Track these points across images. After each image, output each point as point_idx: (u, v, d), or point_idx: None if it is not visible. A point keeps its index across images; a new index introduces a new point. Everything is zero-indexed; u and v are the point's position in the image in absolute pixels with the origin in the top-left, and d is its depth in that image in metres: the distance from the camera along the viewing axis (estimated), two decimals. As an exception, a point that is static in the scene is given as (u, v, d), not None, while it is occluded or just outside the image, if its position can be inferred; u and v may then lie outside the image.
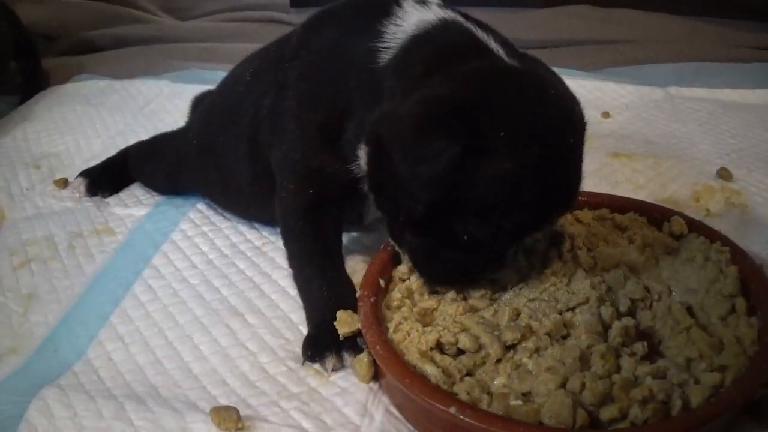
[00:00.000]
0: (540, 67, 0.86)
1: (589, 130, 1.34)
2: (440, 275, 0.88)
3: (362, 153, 0.88)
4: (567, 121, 0.80)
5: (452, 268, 0.86)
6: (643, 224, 0.99)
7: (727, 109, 1.48)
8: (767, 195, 1.16)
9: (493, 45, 0.84)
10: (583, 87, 1.55)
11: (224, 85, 1.20)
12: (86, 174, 1.34)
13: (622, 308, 0.85)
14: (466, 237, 0.81)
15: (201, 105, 1.29)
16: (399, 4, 0.91)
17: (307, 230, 0.98)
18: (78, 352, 0.95)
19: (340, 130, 0.91)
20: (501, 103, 0.77)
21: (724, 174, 1.20)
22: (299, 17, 2.22)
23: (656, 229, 0.99)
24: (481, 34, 0.86)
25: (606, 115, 1.46)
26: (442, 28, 0.87)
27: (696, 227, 0.96)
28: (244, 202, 1.15)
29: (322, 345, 0.88)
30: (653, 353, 0.81)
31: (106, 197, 1.31)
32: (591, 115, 1.41)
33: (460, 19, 0.89)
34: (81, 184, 1.32)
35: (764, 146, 1.33)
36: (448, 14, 0.89)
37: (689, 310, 0.85)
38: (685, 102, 1.51)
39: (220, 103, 1.17)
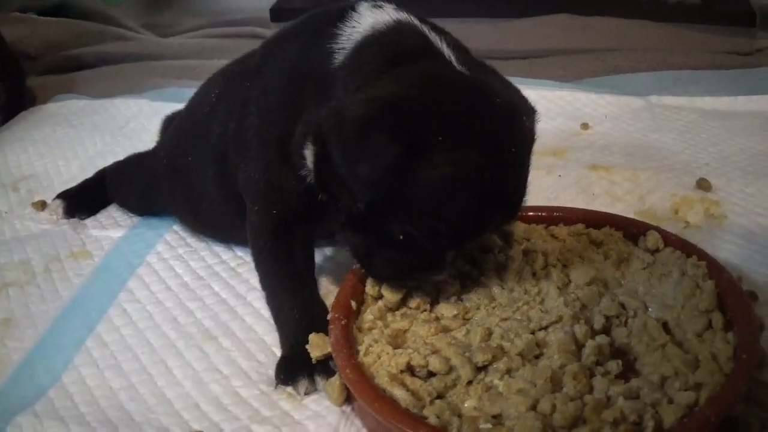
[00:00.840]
0: (491, 77, 0.85)
1: (568, 143, 1.38)
2: (381, 271, 0.87)
3: (308, 152, 0.86)
4: (510, 131, 0.79)
5: (392, 265, 0.86)
6: (618, 239, 0.99)
7: (708, 117, 1.47)
8: (746, 205, 1.16)
9: (445, 50, 0.84)
10: (561, 98, 1.55)
11: (191, 104, 1.19)
12: (63, 196, 1.33)
13: (597, 326, 0.85)
14: (402, 237, 0.81)
15: (171, 124, 1.28)
16: (355, 9, 0.90)
17: (275, 251, 0.97)
18: (53, 378, 0.95)
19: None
20: (444, 107, 0.77)
21: (703, 184, 1.20)
22: (280, 32, 2.23)
23: (632, 243, 0.98)
24: (434, 37, 0.85)
25: (585, 126, 1.45)
26: (396, 29, 0.87)
27: (672, 241, 0.96)
28: (215, 223, 1.14)
29: (294, 368, 0.87)
30: (629, 371, 0.80)
31: (83, 219, 1.31)
32: (570, 126, 1.44)
33: (415, 21, 0.88)
34: (59, 207, 1.31)
35: (744, 155, 1.32)
36: (403, 16, 0.88)
37: (665, 326, 0.85)
38: (665, 111, 1.51)
39: (187, 123, 1.16)
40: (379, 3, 0.91)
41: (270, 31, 2.21)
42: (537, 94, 1.51)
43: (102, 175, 1.36)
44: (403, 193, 0.77)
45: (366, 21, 0.88)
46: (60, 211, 1.30)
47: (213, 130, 1.04)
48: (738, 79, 1.63)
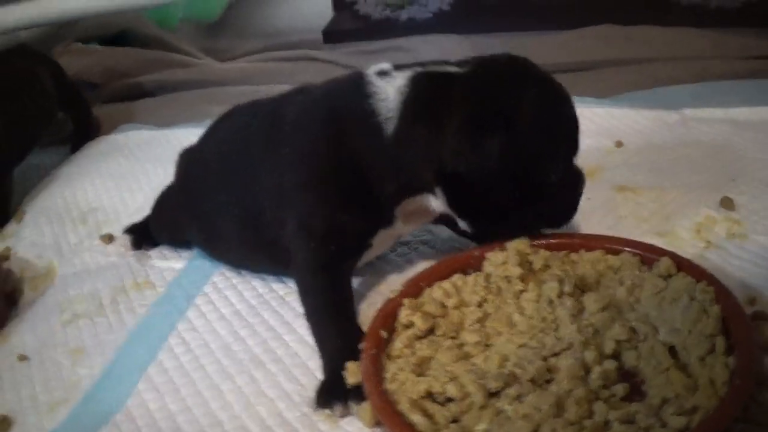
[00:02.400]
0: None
1: (601, 161, 1.43)
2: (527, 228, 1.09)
3: (435, 197, 1.07)
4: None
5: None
6: (634, 265, 1.04)
7: (741, 128, 1.49)
8: (767, 224, 1.18)
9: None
10: (598, 116, 1.59)
11: (208, 146, 1.30)
12: (131, 230, 1.45)
13: (607, 350, 0.90)
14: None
15: (189, 159, 1.37)
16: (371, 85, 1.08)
17: (326, 285, 1.08)
18: (119, 403, 1.05)
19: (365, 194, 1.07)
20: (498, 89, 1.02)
21: (726, 203, 1.23)
22: (333, 54, 2.32)
23: (648, 268, 1.03)
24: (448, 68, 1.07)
25: (619, 144, 1.49)
26: (416, 82, 1.06)
27: (685, 267, 1.00)
28: (228, 259, 1.29)
29: (332, 393, 0.97)
30: (636, 393, 0.86)
31: (149, 250, 1.42)
32: (604, 144, 1.49)
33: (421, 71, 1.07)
34: (127, 241, 1.43)
35: (772, 168, 1.34)
36: (411, 73, 1.07)
37: (673, 349, 0.90)
38: (699, 125, 1.53)
39: (203, 169, 1.27)
40: (375, 71, 1.10)
41: (322, 53, 2.32)
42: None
43: None
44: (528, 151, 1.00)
45: (387, 90, 1.06)
46: (128, 244, 1.42)
47: (236, 182, 1.17)
48: (775, 86, 1.64)
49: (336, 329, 1.03)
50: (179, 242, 1.39)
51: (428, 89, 1.04)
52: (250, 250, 1.22)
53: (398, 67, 1.09)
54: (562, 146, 1.04)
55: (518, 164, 0.99)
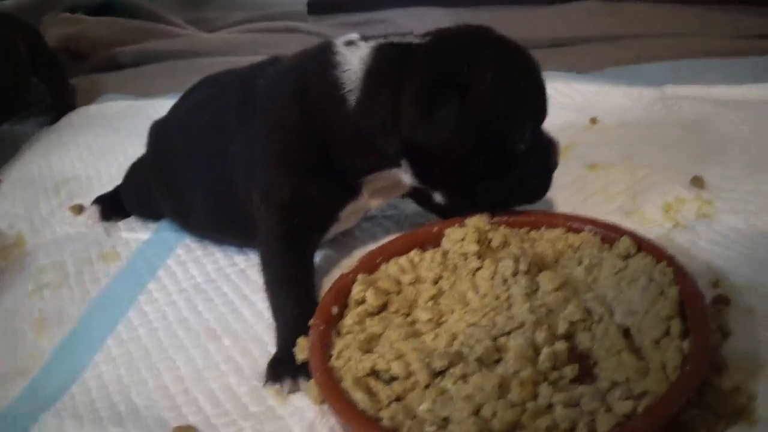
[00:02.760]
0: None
1: (574, 139, 1.41)
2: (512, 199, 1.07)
3: (403, 171, 1.05)
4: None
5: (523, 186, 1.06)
6: (595, 244, 1.02)
7: (721, 107, 1.46)
8: (739, 203, 1.16)
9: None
10: (576, 91, 1.57)
11: (180, 118, 1.29)
12: (100, 201, 1.44)
13: (560, 331, 0.89)
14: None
15: (159, 131, 1.35)
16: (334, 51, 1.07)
17: (287, 256, 1.06)
18: (77, 374, 1.05)
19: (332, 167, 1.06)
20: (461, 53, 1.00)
21: (697, 182, 1.21)
22: (317, 25, 2.30)
23: (609, 247, 1.01)
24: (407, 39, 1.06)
25: (594, 120, 1.47)
26: (377, 52, 1.04)
27: (645, 246, 0.98)
28: (201, 229, 1.27)
29: (281, 368, 0.96)
30: (588, 375, 0.84)
31: (118, 222, 1.41)
32: (579, 121, 1.47)
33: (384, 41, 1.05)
34: (95, 212, 1.42)
35: (750, 147, 1.31)
36: (374, 43, 1.05)
37: (627, 332, 0.88)
38: (678, 102, 1.50)
39: (178, 140, 1.25)
40: (343, 41, 1.08)
41: (307, 24, 2.29)
42: (551, 87, 1.54)
43: None
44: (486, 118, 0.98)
45: (352, 59, 1.04)
46: (96, 216, 1.41)
47: (207, 154, 1.15)
48: (758, 66, 1.61)
49: (292, 301, 1.02)
50: (149, 213, 1.38)
51: (388, 60, 1.02)
52: (219, 220, 1.21)
53: (366, 38, 1.07)
54: (527, 114, 1.01)
55: (479, 133, 0.97)
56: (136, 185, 1.39)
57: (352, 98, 1.03)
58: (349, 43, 1.07)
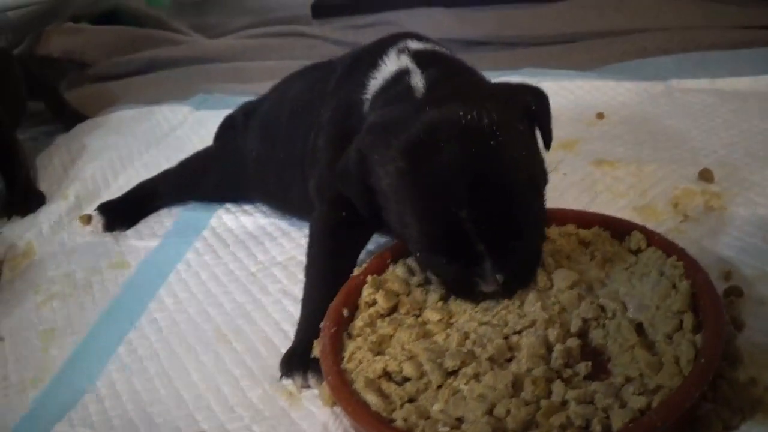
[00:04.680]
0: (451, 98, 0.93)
1: (580, 134, 1.40)
2: (445, 285, 0.96)
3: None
4: (438, 140, 0.88)
5: (445, 277, 0.95)
6: (606, 239, 1.01)
7: (727, 99, 1.46)
8: (748, 195, 1.16)
9: (420, 83, 1.00)
10: (580, 88, 1.57)
11: (275, 106, 1.33)
12: (103, 210, 1.44)
13: (573, 329, 0.88)
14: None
15: (249, 117, 1.39)
16: (383, 59, 1.08)
17: (329, 248, 1.08)
18: (89, 384, 1.05)
19: None
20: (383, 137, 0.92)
21: (705, 175, 1.21)
22: (321, 29, 2.30)
23: (619, 242, 1.01)
24: (415, 80, 1.00)
25: (600, 116, 1.47)
26: (395, 79, 1.03)
27: (655, 241, 0.98)
28: (301, 207, 1.24)
29: (294, 362, 0.96)
30: (602, 371, 0.84)
31: (123, 231, 1.41)
32: (585, 116, 1.46)
33: (411, 66, 1.03)
34: (98, 222, 1.42)
35: (757, 138, 1.31)
36: (403, 64, 1.04)
37: (640, 326, 0.87)
38: (684, 95, 1.50)
39: (275, 127, 1.29)
40: (402, 46, 1.08)
41: (311, 28, 2.29)
42: (556, 84, 1.56)
43: (142, 188, 1.48)
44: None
45: (382, 74, 1.05)
46: (99, 226, 1.41)
47: (295, 141, 1.19)
48: (764, 56, 1.60)
49: (323, 294, 1.01)
50: (229, 198, 1.42)
51: (387, 93, 1.03)
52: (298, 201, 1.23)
53: (409, 49, 1.08)
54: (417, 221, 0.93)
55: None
56: (217, 170, 1.42)
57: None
58: (402, 51, 1.08)
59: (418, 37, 1.12)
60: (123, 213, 1.43)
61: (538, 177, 0.93)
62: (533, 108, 0.94)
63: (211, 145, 1.49)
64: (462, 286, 0.93)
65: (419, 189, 0.88)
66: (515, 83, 0.98)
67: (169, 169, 1.50)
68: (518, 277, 0.92)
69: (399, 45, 1.08)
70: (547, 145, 0.98)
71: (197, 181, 1.44)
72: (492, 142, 0.86)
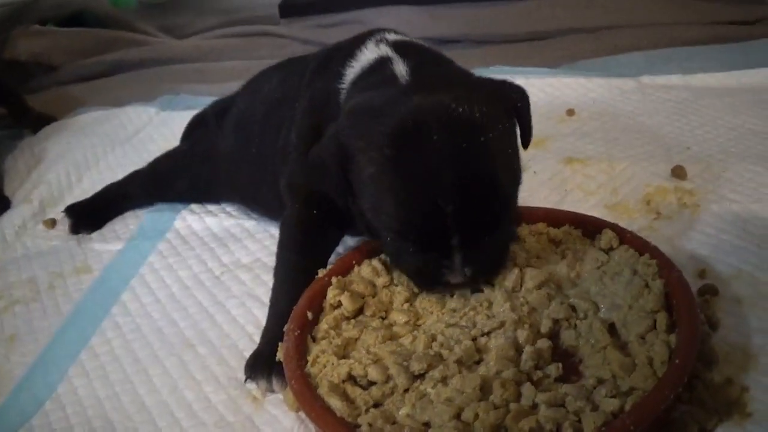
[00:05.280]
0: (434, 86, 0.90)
1: (550, 131, 1.39)
2: (410, 278, 0.94)
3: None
4: (422, 129, 0.85)
5: (411, 271, 0.93)
6: (576, 238, 1.00)
7: (700, 95, 1.46)
8: (721, 192, 1.15)
9: (402, 71, 0.96)
10: (550, 86, 1.56)
11: (248, 104, 1.29)
12: (71, 212, 1.41)
13: (544, 329, 0.86)
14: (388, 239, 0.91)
15: (222, 116, 1.36)
16: (361, 49, 1.04)
17: (299, 246, 1.05)
18: (50, 390, 1.03)
19: None
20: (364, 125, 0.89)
21: (678, 172, 1.20)
22: (289, 29, 2.28)
23: (590, 241, 0.99)
24: (398, 68, 0.96)
25: (571, 112, 1.45)
26: (373, 67, 1.00)
27: (627, 239, 0.96)
28: (272, 206, 1.21)
29: (258, 365, 0.94)
30: (573, 373, 0.82)
31: (89, 233, 1.38)
32: (555, 114, 1.45)
33: (391, 54, 1.00)
34: (65, 224, 1.39)
35: (730, 134, 1.31)
36: (383, 52, 1.01)
37: (612, 327, 0.85)
38: (656, 91, 1.49)
39: (249, 124, 1.25)
40: (380, 38, 1.05)
41: (279, 28, 2.27)
42: (526, 81, 1.54)
43: (109, 190, 1.45)
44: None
45: (360, 63, 1.02)
46: (66, 228, 1.39)
47: (269, 138, 1.16)
48: (735, 52, 1.61)
49: (290, 295, 0.98)
50: (203, 198, 1.39)
51: (366, 81, 1.00)
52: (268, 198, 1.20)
53: (383, 40, 1.05)
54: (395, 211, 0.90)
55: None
56: (192, 170, 1.38)
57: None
58: (379, 41, 1.06)
59: (395, 32, 1.10)
60: (90, 215, 1.41)
61: (519, 175, 0.92)
62: (519, 105, 0.93)
63: (179, 145, 1.46)
64: (426, 277, 0.91)
65: (404, 176, 0.84)
66: (499, 79, 0.96)
67: (138, 170, 1.46)
68: (484, 273, 0.91)
69: (376, 36, 1.05)
70: (526, 144, 0.96)
71: (167, 182, 1.41)
72: (481, 137, 0.85)
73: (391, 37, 1.06)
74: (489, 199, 0.85)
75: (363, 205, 0.91)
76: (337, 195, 0.95)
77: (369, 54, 1.02)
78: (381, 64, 0.99)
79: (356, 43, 1.06)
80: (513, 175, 0.90)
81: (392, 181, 0.85)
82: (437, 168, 0.83)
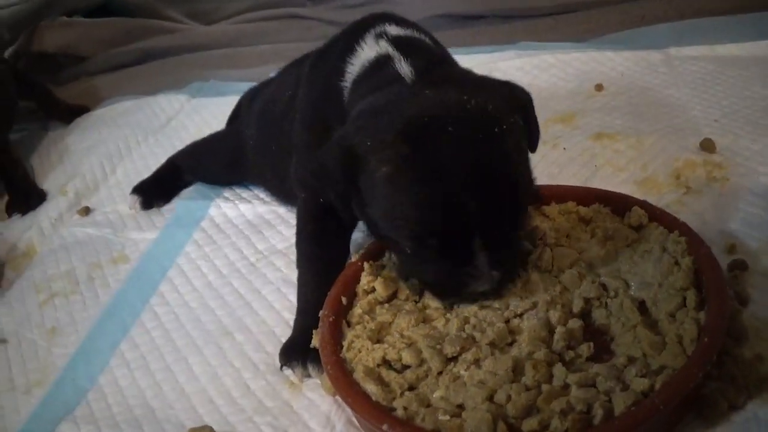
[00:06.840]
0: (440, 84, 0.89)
1: (579, 107, 1.38)
2: (430, 288, 0.92)
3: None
4: (434, 128, 0.83)
5: (431, 281, 0.90)
6: (606, 215, 1.00)
7: (727, 65, 1.43)
8: (750, 164, 1.14)
9: (406, 70, 0.93)
10: (578, 60, 1.54)
11: (271, 94, 1.30)
12: (138, 191, 1.45)
13: (576, 309, 0.87)
14: (408, 250, 0.87)
15: (250, 103, 1.40)
16: (360, 44, 1.01)
17: (314, 235, 1.06)
18: (92, 381, 1.06)
19: None
20: (375, 124, 0.86)
21: (707, 145, 1.19)
22: (316, 11, 2.28)
23: (620, 219, 0.99)
24: (402, 67, 0.93)
25: (599, 87, 1.44)
26: (375, 66, 0.97)
27: (657, 216, 0.96)
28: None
29: (293, 352, 0.96)
30: (605, 352, 0.83)
31: (161, 207, 1.43)
32: (584, 88, 1.44)
33: (393, 52, 0.97)
34: (136, 202, 1.43)
35: (758, 105, 1.29)
36: (383, 50, 0.98)
37: (643, 305, 0.86)
38: (683, 63, 1.47)
39: (269, 115, 1.26)
40: (380, 31, 1.01)
41: (306, 10, 2.27)
42: (553, 57, 1.54)
43: (171, 163, 1.48)
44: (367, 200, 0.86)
45: (360, 60, 0.99)
46: (137, 206, 1.43)
47: (286, 129, 1.15)
48: (762, 21, 1.57)
49: (315, 283, 1.00)
50: (233, 180, 1.42)
51: (369, 80, 0.97)
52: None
53: (388, 34, 1.01)
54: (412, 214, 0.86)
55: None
56: (221, 154, 1.41)
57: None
58: (380, 35, 1.03)
59: (396, 20, 1.05)
60: (158, 188, 1.45)
61: (531, 175, 0.90)
62: (525, 107, 0.91)
63: (222, 129, 1.50)
64: (449, 286, 0.88)
65: (422, 173, 0.80)
66: (502, 80, 0.94)
67: (184, 149, 1.51)
68: (510, 275, 0.89)
69: (376, 29, 1.01)
70: (534, 148, 0.93)
71: (207, 163, 1.45)
72: (497, 129, 0.83)
73: (392, 30, 1.01)
74: (512, 194, 0.83)
75: (374, 213, 0.87)
76: (339, 203, 0.92)
77: (368, 51, 0.99)
78: (383, 64, 0.96)
79: (355, 35, 1.02)
80: (528, 172, 0.88)
81: (409, 180, 0.81)
82: (456, 163, 0.80)
